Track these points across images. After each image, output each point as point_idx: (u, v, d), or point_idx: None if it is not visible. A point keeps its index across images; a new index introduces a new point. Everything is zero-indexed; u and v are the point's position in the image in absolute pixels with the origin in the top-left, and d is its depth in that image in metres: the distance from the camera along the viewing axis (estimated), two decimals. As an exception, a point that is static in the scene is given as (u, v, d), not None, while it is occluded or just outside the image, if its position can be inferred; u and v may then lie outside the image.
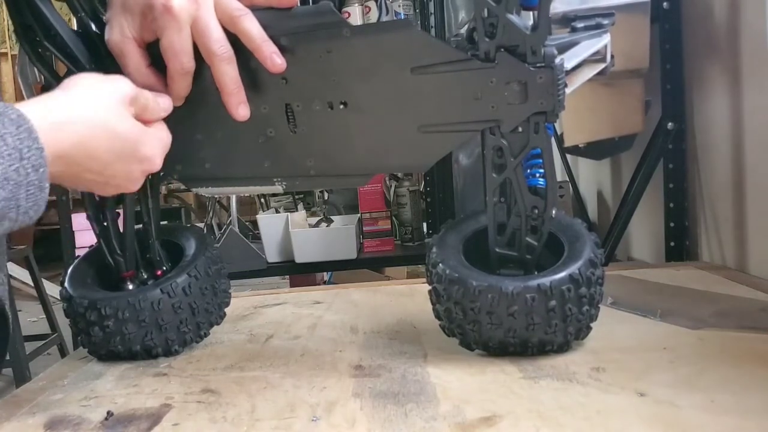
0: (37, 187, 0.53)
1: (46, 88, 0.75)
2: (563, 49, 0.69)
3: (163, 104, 0.68)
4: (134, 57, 0.68)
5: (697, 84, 1.21)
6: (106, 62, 0.73)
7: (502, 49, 0.65)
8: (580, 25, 0.76)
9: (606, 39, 0.73)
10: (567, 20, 0.78)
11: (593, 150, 1.30)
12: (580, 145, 1.29)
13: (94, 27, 0.73)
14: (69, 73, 0.73)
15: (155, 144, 0.65)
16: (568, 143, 1.28)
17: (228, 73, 0.68)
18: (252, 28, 0.67)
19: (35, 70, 0.75)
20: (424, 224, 2.10)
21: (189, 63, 0.67)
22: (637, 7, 1.07)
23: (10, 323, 0.75)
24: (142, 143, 0.63)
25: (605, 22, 0.76)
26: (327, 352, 0.78)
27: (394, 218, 1.99)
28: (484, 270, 0.70)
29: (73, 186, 0.63)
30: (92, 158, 0.59)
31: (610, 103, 1.21)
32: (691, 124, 1.24)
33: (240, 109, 0.69)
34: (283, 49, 0.69)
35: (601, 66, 0.73)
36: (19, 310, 2.81)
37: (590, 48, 0.71)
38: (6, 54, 5.98)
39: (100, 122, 0.59)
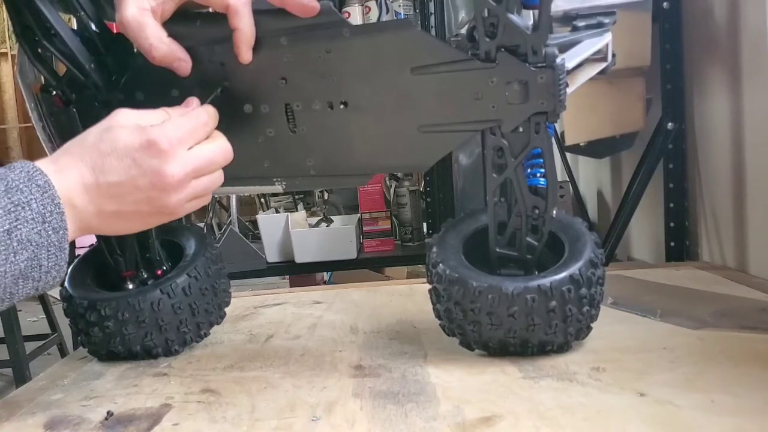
0: (57, 248, 0.57)
1: (45, 88, 0.75)
2: (564, 48, 0.69)
3: (187, 106, 0.66)
4: (154, 27, 0.67)
5: (697, 84, 1.21)
6: (105, 61, 0.73)
7: (503, 49, 0.65)
8: (581, 23, 0.75)
9: (607, 38, 0.73)
10: (568, 19, 0.78)
11: (594, 148, 1.30)
12: (581, 144, 1.28)
13: (93, 27, 0.73)
14: (69, 72, 0.73)
15: (167, 132, 0.61)
16: (569, 142, 1.28)
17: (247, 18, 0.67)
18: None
19: (35, 70, 0.75)
20: (424, 224, 2.10)
21: None
22: (639, 5, 1.07)
23: None
24: (149, 136, 0.60)
25: (607, 20, 0.76)
26: (327, 352, 0.78)
27: (394, 218, 1.99)
28: (485, 270, 0.70)
29: (119, 220, 0.62)
30: (103, 171, 0.59)
31: (611, 101, 1.21)
32: (691, 124, 1.24)
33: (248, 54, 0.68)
34: (282, 49, 0.69)
35: (603, 65, 0.73)
36: (19, 310, 2.80)
37: (591, 47, 0.71)
38: (6, 54, 5.98)
39: (93, 139, 0.60)
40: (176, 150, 0.61)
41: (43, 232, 0.56)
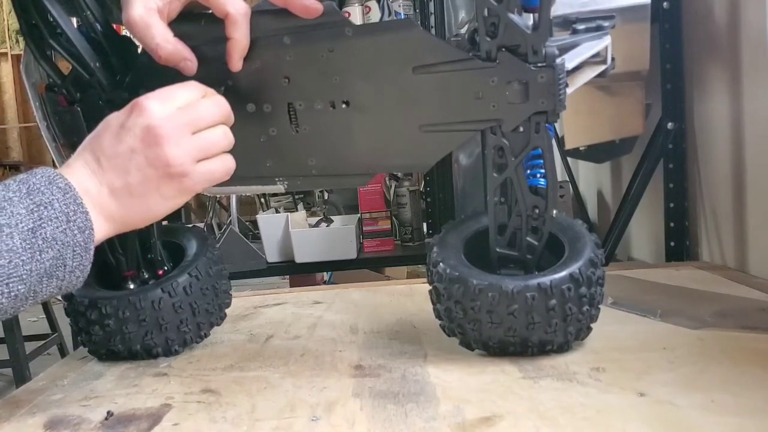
0: (82, 248, 0.58)
1: (50, 88, 0.75)
2: (564, 50, 0.69)
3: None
4: (160, 27, 0.67)
5: (697, 84, 1.21)
6: (110, 61, 0.73)
7: (504, 49, 0.65)
8: (580, 27, 0.76)
9: (607, 41, 0.73)
10: (568, 23, 0.78)
11: (594, 153, 1.30)
12: (580, 148, 1.29)
13: (99, 27, 0.73)
14: (73, 72, 0.73)
15: (150, 96, 0.62)
16: (568, 146, 1.28)
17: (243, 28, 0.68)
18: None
19: (40, 69, 0.75)
20: (424, 224, 2.10)
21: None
22: (638, 10, 1.07)
23: None
24: (133, 102, 0.62)
25: (606, 24, 0.76)
26: (327, 352, 0.78)
27: (394, 218, 1.99)
28: (485, 271, 0.70)
29: (132, 196, 0.62)
30: (101, 147, 0.61)
31: (611, 106, 1.21)
32: (691, 124, 1.24)
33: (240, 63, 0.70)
34: (285, 48, 0.69)
35: (602, 68, 0.73)
36: (19, 310, 2.80)
37: (591, 49, 0.71)
38: (6, 54, 5.98)
39: (94, 131, 0.63)
40: (159, 103, 0.62)
41: (68, 231, 0.57)
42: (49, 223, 0.56)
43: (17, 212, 0.55)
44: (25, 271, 0.55)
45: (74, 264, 0.58)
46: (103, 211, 0.61)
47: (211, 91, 0.67)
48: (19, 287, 0.55)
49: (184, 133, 0.62)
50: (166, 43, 0.67)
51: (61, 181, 0.58)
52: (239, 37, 0.68)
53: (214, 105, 0.65)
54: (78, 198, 0.58)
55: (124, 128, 0.61)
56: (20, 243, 0.55)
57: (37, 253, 0.56)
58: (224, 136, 0.65)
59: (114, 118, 0.63)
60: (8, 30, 5.94)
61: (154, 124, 0.61)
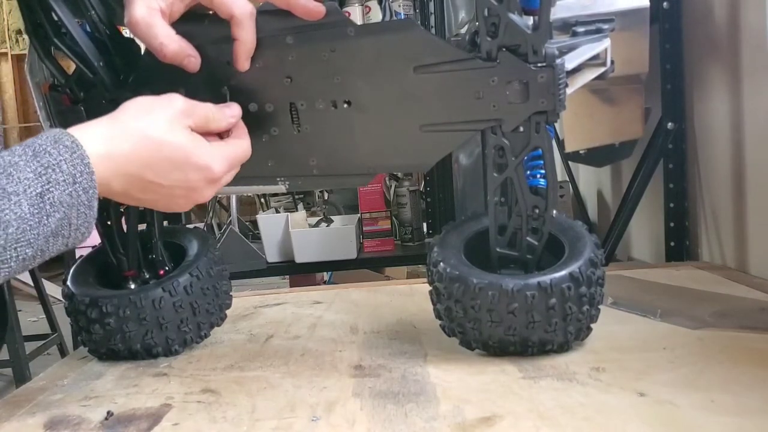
0: (86, 206, 0.58)
1: (54, 87, 0.75)
2: (564, 51, 0.70)
3: (230, 112, 0.69)
4: (164, 26, 0.68)
5: (697, 84, 1.21)
6: (114, 61, 0.73)
7: (504, 49, 0.65)
8: (580, 29, 0.76)
9: (606, 43, 0.73)
10: (567, 26, 0.79)
11: (594, 156, 1.30)
12: (580, 152, 1.29)
13: (103, 27, 0.73)
14: (77, 71, 0.73)
15: (214, 153, 0.65)
16: (568, 149, 1.28)
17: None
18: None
19: (44, 68, 0.75)
20: (424, 224, 2.10)
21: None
22: (637, 13, 1.07)
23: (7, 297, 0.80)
24: (195, 152, 0.63)
25: (605, 27, 0.77)
26: (327, 352, 0.78)
27: (394, 218, 1.99)
28: (486, 271, 0.70)
29: (140, 202, 0.66)
30: (148, 167, 0.61)
31: (611, 110, 1.22)
32: (691, 124, 1.24)
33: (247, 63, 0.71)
34: (288, 48, 0.69)
35: (602, 69, 0.73)
36: (19, 310, 2.81)
37: (590, 51, 0.71)
38: (6, 54, 5.98)
39: (149, 133, 0.62)
40: (222, 179, 0.66)
41: (74, 192, 0.57)
42: (57, 186, 0.56)
43: (25, 177, 0.55)
44: (33, 235, 0.55)
45: (79, 222, 0.58)
46: (104, 192, 0.61)
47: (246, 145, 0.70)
48: (27, 251, 0.56)
49: (227, 177, 0.68)
50: (170, 41, 0.68)
51: (67, 139, 0.58)
52: (245, 38, 0.68)
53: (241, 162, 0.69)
54: (85, 157, 0.58)
55: (186, 177, 0.63)
56: (29, 209, 0.55)
57: (45, 217, 0.56)
58: (231, 177, 0.70)
59: (185, 156, 0.63)
60: (8, 30, 5.94)
61: (206, 194, 0.66)
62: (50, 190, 0.56)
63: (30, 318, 3.81)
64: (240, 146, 0.68)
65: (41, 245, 0.57)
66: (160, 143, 0.62)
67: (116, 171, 0.60)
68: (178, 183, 0.63)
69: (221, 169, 0.65)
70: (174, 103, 0.64)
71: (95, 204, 0.59)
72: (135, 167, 0.61)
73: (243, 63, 0.69)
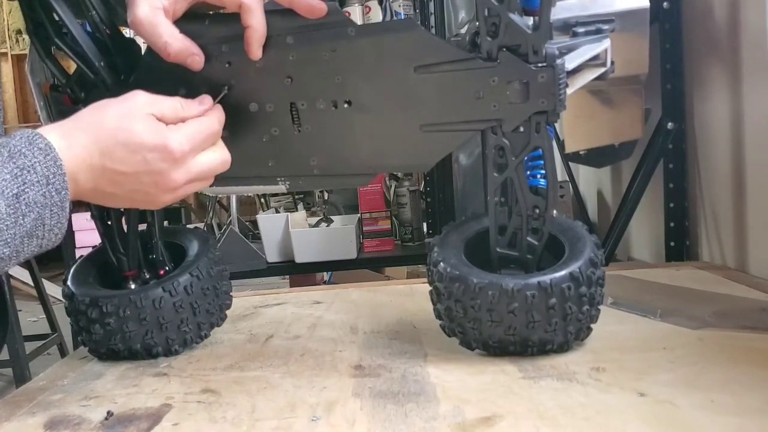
0: (59, 207, 0.60)
1: (54, 87, 0.75)
2: (564, 51, 0.70)
3: (200, 101, 0.68)
4: (167, 25, 0.68)
5: (697, 84, 1.21)
6: (115, 61, 0.73)
7: (504, 49, 0.65)
8: (580, 30, 0.76)
9: (606, 43, 0.73)
10: (568, 26, 0.79)
11: (594, 157, 1.31)
12: (580, 152, 1.29)
13: (104, 27, 0.73)
14: (78, 71, 0.73)
15: (169, 132, 0.64)
16: (568, 149, 1.28)
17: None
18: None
19: (44, 68, 0.76)
20: (424, 224, 2.10)
21: None
22: (637, 14, 1.08)
23: (7, 298, 0.81)
24: (147, 133, 0.63)
25: (605, 27, 0.77)
26: (327, 352, 0.78)
27: (394, 218, 1.99)
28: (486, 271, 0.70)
29: (114, 198, 0.66)
30: (107, 156, 0.62)
31: (611, 111, 1.22)
32: (691, 124, 1.24)
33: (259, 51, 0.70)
34: (288, 48, 0.69)
35: (602, 70, 0.73)
36: (19, 310, 2.81)
37: (590, 51, 0.72)
38: (6, 54, 5.98)
39: (104, 123, 0.62)
40: (186, 158, 0.65)
41: (47, 193, 0.58)
42: (32, 187, 0.57)
43: (2, 178, 0.56)
44: (9, 235, 0.57)
45: (53, 222, 0.60)
46: (76, 193, 0.62)
47: (219, 141, 0.69)
48: (4, 250, 0.57)
49: (188, 184, 0.66)
50: (174, 40, 0.68)
51: (41, 142, 0.59)
52: (256, 24, 0.68)
53: (222, 163, 0.69)
54: (58, 159, 0.59)
55: (146, 161, 0.63)
56: (5, 209, 0.56)
57: (20, 217, 0.57)
58: (222, 164, 0.69)
59: (139, 138, 0.62)
60: (8, 30, 5.94)
61: (172, 178, 0.64)
62: (25, 191, 0.57)
63: (30, 318, 3.82)
64: (202, 122, 0.67)
65: (17, 245, 0.58)
66: (114, 130, 0.62)
67: (79, 164, 0.61)
68: (140, 167, 0.63)
69: (179, 147, 0.63)
70: (134, 97, 0.65)
71: (67, 205, 0.60)
72: (96, 157, 0.61)
73: (256, 50, 0.69)
